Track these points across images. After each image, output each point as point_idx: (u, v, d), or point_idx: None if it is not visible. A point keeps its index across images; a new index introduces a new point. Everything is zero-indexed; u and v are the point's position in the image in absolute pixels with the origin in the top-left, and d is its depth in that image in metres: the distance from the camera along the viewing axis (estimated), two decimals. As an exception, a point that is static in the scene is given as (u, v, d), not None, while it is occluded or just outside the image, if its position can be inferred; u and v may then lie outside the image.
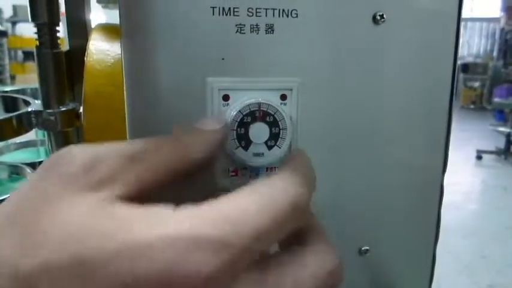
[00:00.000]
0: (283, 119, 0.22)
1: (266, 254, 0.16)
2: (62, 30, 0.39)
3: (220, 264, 0.13)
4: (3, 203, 0.15)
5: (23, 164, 0.52)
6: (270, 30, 0.22)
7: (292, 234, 0.16)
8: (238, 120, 0.22)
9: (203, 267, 0.13)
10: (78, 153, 0.15)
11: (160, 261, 0.13)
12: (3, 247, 0.13)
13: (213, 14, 0.21)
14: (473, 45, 7.05)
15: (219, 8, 0.21)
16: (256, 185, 0.16)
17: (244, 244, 0.14)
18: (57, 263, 0.13)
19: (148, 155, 0.16)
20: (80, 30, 0.39)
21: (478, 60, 6.45)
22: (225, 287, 0.13)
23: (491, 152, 3.62)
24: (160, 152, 0.16)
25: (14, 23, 5.10)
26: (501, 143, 3.65)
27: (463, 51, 7.01)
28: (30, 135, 0.64)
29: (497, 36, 6.54)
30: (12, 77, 4.35)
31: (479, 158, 3.55)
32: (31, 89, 0.50)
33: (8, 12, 4.98)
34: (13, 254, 0.13)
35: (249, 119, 0.22)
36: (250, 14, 0.21)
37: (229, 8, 0.21)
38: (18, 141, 0.64)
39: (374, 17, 0.23)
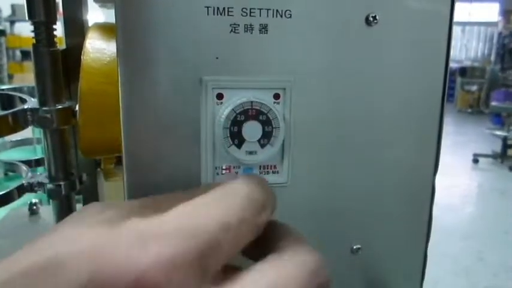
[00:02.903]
0: (276, 117, 0.22)
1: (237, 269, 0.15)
2: (60, 30, 0.40)
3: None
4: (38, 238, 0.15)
5: (19, 161, 0.52)
6: (264, 30, 0.22)
7: (266, 246, 0.16)
8: (232, 118, 0.22)
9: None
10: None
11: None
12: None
13: (208, 13, 0.21)
14: (471, 49, 7.08)
15: (214, 7, 0.21)
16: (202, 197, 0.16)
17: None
18: (34, 266, 0.13)
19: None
20: (76, 29, 0.39)
21: (476, 64, 6.48)
22: None
23: (487, 156, 3.64)
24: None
25: (12, 22, 5.09)
26: (498, 147, 3.67)
27: (460, 54, 7.04)
28: (27, 133, 0.64)
29: (495, 40, 6.57)
30: (10, 77, 4.35)
31: (475, 161, 3.57)
32: (28, 87, 0.50)
33: (6, 12, 4.97)
34: (5, 268, 0.13)
35: (243, 118, 0.22)
36: (245, 14, 0.22)
37: (224, 8, 0.21)
38: (13, 139, 0.64)
39: (367, 19, 0.23)
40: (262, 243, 0.17)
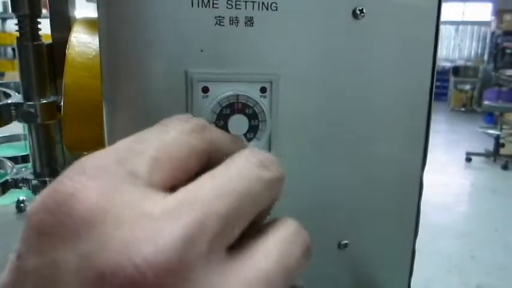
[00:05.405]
0: (263, 111, 0.22)
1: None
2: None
3: None
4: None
5: (4, 157, 0.51)
6: (249, 22, 0.22)
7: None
8: (217, 112, 0.22)
9: None
10: None
11: None
12: None
13: (192, 5, 0.21)
14: (465, 48, 7.12)
15: (198, -1, 0.21)
16: None
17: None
18: None
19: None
20: (63, 23, 0.38)
21: (469, 64, 6.52)
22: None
23: (480, 154, 3.66)
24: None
25: (3, 20, 5.03)
26: (490, 145, 3.69)
27: (454, 54, 7.08)
28: (18, 129, 0.63)
29: (488, 39, 6.62)
30: (1, 74, 4.30)
31: (468, 160, 3.59)
32: (15, 83, 0.50)
33: (-2, 9, 4.91)
34: None
35: (228, 111, 0.22)
36: (230, 6, 0.21)
37: (209, 0, 0.21)
38: (0, 135, 0.63)
39: (354, 12, 0.23)
40: None
